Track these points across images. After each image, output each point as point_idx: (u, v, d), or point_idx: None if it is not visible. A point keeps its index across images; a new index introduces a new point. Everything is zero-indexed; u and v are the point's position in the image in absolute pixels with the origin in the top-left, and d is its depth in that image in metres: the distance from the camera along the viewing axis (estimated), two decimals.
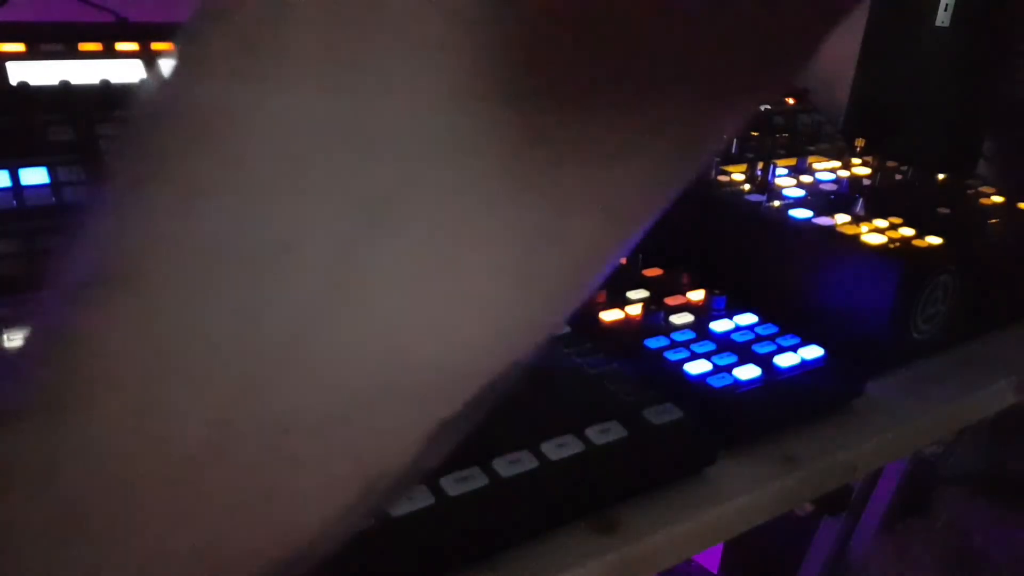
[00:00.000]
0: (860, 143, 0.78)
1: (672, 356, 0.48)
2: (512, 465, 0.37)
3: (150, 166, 0.14)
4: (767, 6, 0.13)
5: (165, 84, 0.14)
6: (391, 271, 0.13)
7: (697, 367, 0.47)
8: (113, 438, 0.13)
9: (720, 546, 1.19)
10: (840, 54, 0.85)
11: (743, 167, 0.68)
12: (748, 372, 0.47)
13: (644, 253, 0.58)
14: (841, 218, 0.58)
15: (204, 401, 0.13)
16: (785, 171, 0.69)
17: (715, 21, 0.13)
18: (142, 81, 0.53)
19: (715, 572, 1.22)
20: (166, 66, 0.14)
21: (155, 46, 0.57)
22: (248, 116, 0.13)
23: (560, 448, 0.39)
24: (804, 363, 0.49)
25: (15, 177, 0.48)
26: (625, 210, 0.15)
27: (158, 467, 0.13)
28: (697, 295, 0.55)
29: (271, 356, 0.13)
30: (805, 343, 0.50)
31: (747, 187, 0.64)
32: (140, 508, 0.14)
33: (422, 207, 0.13)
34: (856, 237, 0.55)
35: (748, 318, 0.53)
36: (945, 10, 0.79)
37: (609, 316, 0.51)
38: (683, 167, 0.15)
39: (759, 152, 0.73)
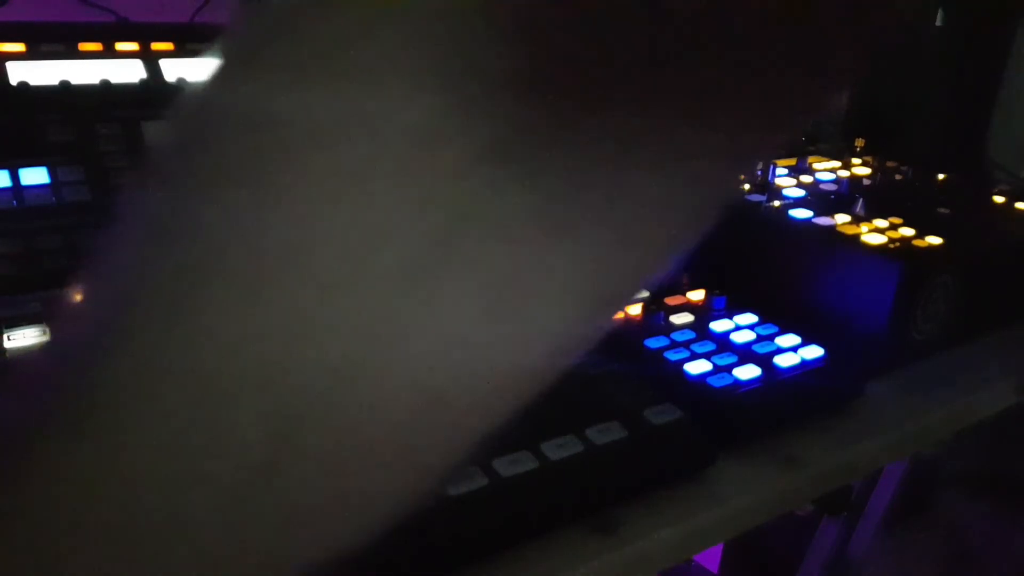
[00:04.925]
0: (860, 143, 0.78)
1: (672, 356, 0.48)
2: (512, 465, 0.37)
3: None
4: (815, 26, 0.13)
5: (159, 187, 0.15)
6: (427, 321, 0.14)
7: (697, 367, 0.47)
8: (168, 442, 0.14)
9: (720, 546, 1.19)
10: None
11: None
12: (748, 372, 0.47)
13: None
14: (841, 218, 0.58)
15: (259, 413, 0.14)
16: (785, 171, 0.69)
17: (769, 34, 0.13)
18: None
19: (715, 572, 1.22)
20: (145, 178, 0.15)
21: (155, 46, 0.57)
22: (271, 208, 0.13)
23: (560, 448, 0.39)
24: (804, 363, 0.49)
25: (15, 177, 0.48)
26: (654, 255, 0.16)
27: (216, 474, 0.14)
28: (697, 295, 0.55)
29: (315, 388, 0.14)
30: (805, 343, 0.50)
31: (747, 187, 0.64)
32: (198, 511, 0.14)
33: (463, 263, 0.14)
34: (856, 237, 0.55)
35: (748, 318, 0.52)
36: (944, 10, 0.79)
37: None
38: (722, 191, 0.16)
39: None
